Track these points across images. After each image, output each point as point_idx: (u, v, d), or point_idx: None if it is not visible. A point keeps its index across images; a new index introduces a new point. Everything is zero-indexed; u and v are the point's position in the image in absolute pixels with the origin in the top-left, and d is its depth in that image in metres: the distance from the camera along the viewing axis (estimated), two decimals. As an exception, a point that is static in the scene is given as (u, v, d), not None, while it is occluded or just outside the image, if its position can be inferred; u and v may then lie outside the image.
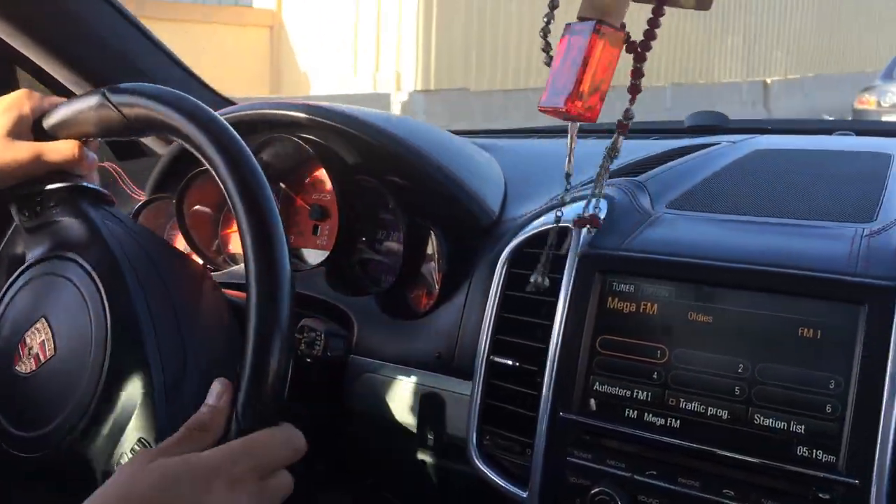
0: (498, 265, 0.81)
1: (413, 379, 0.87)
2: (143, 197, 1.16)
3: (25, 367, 0.74)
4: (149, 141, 1.36)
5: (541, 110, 0.62)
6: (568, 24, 0.61)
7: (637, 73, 0.60)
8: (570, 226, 0.77)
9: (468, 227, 0.91)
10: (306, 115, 0.96)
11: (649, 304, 0.72)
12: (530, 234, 0.80)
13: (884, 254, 0.67)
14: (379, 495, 1.02)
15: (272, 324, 0.60)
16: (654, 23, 0.58)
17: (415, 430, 0.87)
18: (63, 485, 0.73)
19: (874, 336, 0.62)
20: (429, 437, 0.86)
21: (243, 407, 0.60)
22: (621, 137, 0.64)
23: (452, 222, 0.92)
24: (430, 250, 0.95)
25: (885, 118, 6.25)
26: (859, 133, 1.25)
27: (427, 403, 0.86)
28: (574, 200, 0.84)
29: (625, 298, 0.73)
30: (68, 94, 1.20)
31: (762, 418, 0.66)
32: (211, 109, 0.70)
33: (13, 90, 1.18)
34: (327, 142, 0.99)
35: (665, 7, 0.58)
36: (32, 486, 0.77)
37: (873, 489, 0.60)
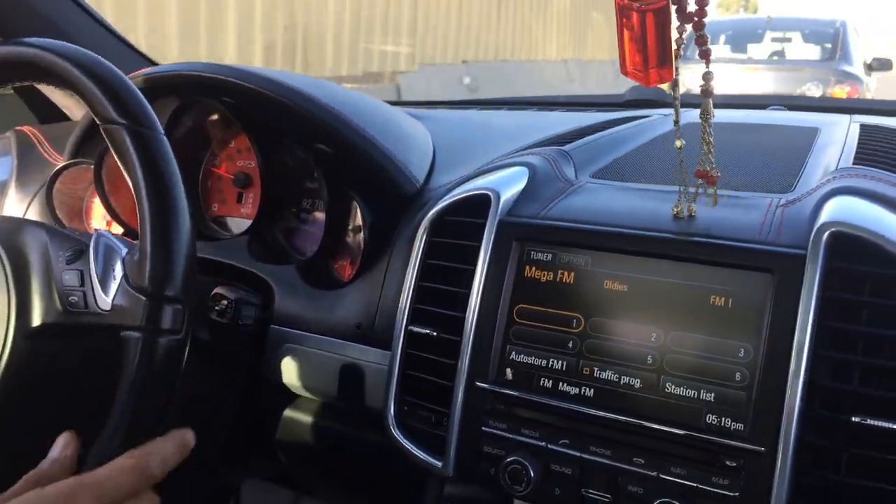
0: (419, 232, 0.80)
1: (333, 349, 0.86)
2: (60, 162, 1.12)
3: None
4: (72, 104, 1.31)
5: (626, 76, 0.62)
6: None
7: (701, 40, 0.61)
8: (488, 193, 0.76)
9: (392, 196, 0.90)
10: (226, 78, 0.92)
11: (566, 273, 0.71)
12: (450, 201, 0.79)
13: (795, 223, 0.67)
14: (298, 470, 1.00)
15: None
16: None
17: (334, 402, 0.85)
18: None
19: (782, 304, 0.62)
20: (348, 408, 0.84)
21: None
22: (710, 100, 0.65)
23: (376, 191, 0.90)
24: (354, 219, 0.93)
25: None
26: (791, 108, 1.26)
27: (347, 374, 0.84)
28: (505, 168, 0.83)
29: (542, 267, 0.72)
30: None
31: (673, 387, 0.65)
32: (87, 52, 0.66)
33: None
34: (251, 106, 0.96)
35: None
36: None
37: (778, 457, 0.60)
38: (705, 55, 0.62)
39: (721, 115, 1.15)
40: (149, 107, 0.66)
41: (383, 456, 0.83)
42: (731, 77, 5.88)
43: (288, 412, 0.92)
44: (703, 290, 0.65)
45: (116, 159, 0.64)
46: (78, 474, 0.56)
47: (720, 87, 0.68)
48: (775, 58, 7.13)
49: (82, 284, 0.67)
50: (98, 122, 0.64)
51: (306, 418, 0.91)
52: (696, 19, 0.59)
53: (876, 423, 0.58)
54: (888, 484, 0.58)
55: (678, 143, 0.68)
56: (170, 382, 0.62)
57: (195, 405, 0.87)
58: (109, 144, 0.64)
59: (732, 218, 0.69)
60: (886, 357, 0.60)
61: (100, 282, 0.66)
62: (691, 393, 0.65)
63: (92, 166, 1.05)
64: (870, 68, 6.39)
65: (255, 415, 0.93)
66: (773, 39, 7.37)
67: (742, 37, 7.24)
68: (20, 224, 0.74)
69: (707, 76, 0.63)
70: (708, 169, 0.69)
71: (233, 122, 0.99)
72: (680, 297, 0.66)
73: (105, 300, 0.65)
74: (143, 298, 0.62)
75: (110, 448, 0.59)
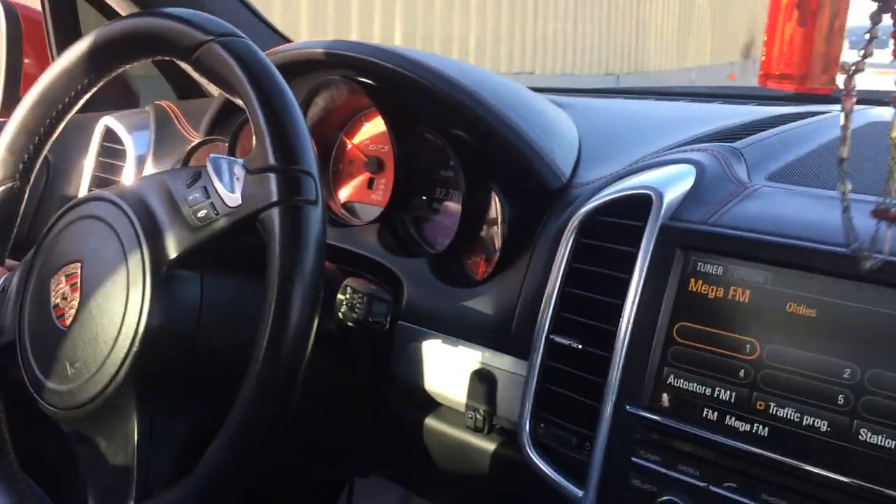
0: (565, 233, 0.72)
1: (464, 352, 0.79)
2: (197, 137, 1.11)
3: (63, 317, 0.70)
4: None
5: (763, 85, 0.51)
6: None
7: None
8: (649, 193, 0.67)
9: (535, 190, 0.82)
10: (364, 56, 0.87)
11: (740, 290, 0.61)
12: (604, 199, 0.71)
13: None
14: (417, 473, 0.96)
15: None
16: None
17: (462, 409, 0.79)
18: (90, 441, 0.70)
19: None
20: (477, 417, 0.78)
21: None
22: None
23: (518, 183, 0.83)
24: (491, 213, 0.86)
25: None
26: None
27: (477, 380, 0.78)
28: (667, 164, 0.74)
29: (711, 281, 0.63)
30: (114, 14, 1.15)
31: (869, 434, 0.55)
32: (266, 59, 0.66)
33: (73, 18, 1.14)
34: (387, 87, 0.91)
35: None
36: (62, 441, 0.74)
37: None
38: None
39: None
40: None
41: (513, 475, 0.76)
42: None
43: (413, 413, 0.87)
44: (914, 322, 0.55)
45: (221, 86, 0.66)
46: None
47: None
48: None
49: (208, 197, 0.66)
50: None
51: (431, 422, 0.85)
52: None
53: None
54: None
55: (842, 153, 0.56)
56: (320, 250, 0.61)
57: (321, 398, 0.83)
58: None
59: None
60: None
61: (224, 185, 0.65)
62: (891, 443, 0.54)
63: (227, 143, 1.03)
64: None
65: (378, 412, 0.89)
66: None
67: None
68: (139, 180, 0.75)
69: None
70: (893, 207, 0.52)
71: (368, 103, 0.94)
72: (884, 328, 0.56)
73: (233, 196, 0.64)
74: (272, 175, 0.61)
75: (269, 318, 0.59)
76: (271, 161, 0.61)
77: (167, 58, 0.71)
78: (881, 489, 0.54)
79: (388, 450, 0.96)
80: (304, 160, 0.62)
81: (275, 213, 0.61)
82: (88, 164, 1.18)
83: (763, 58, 0.51)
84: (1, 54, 1.31)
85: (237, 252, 0.69)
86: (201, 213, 0.65)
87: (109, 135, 1.17)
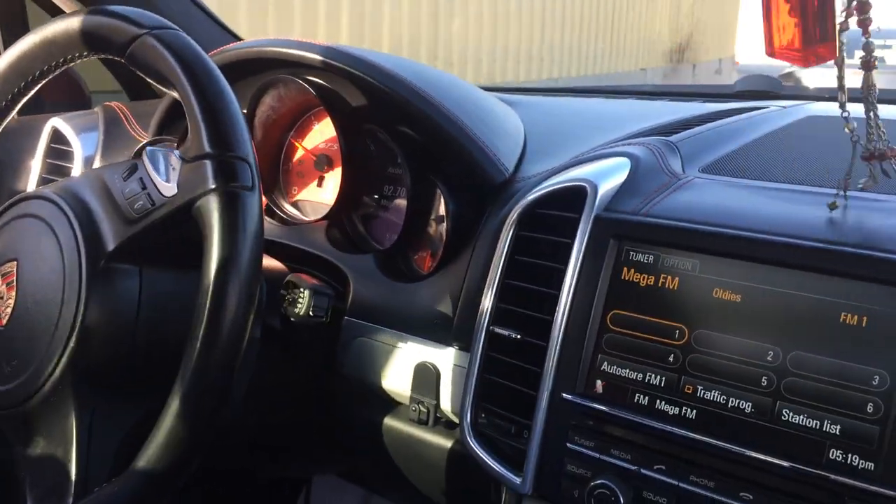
0: (506, 225, 0.73)
1: (408, 346, 0.80)
2: (146, 138, 1.10)
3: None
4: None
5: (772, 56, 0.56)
6: None
7: (864, 8, 0.54)
8: (584, 185, 0.69)
9: (478, 185, 0.83)
10: (311, 55, 0.88)
11: (669, 278, 0.63)
12: (542, 192, 0.72)
13: None
14: (368, 468, 0.96)
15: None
16: None
17: (407, 402, 0.80)
18: (29, 440, 0.69)
19: None
20: (421, 410, 0.79)
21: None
22: (871, 73, 0.57)
23: (462, 179, 0.84)
24: (437, 208, 0.87)
25: None
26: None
27: (421, 374, 0.79)
28: (604, 158, 0.75)
29: (642, 269, 0.64)
30: (57, 12, 1.15)
31: (791, 414, 0.57)
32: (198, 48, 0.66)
33: (22, 19, 1.12)
34: (334, 85, 0.92)
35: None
36: (3, 441, 0.73)
37: (917, 505, 0.51)
38: (865, 24, 0.54)
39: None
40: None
41: (457, 465, 0.77)
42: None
43: (359, 408, 0.87)
44: (832, 305, 0.56)
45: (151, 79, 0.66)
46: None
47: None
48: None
49: (144, 188, 0.66)
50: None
51: (378, 416, 0.86)
52: None
53: None
54: None
55: (848, 128, 0.60)
56: (257, 237, 0.61)
57: (266, 395, 0.83)
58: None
59: (869, 223, 0.60)
60: None
61: (160, 176, 0.65)
62: (812, 423, 0.56)
63: (175, 142, 1.03)
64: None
65: (325, 408, 0.89)
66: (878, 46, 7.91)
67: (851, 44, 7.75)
68: (75, 177, 0.76)
69: (868, 46, 0.55)
70: (880, 148, 0.59)
71: (317, 102, 0.94)
72: (804, 311, 0.57)
73: (169, 186, 0.64)
74: (208, 162, 0.61)
75: (204, 310, 0.59)
76: (206, 148, 0.61)
77: (105, 56, 0.71)
78: (803, 467, 0.56)
79: (336, 446, 0.97)
80: (239, 147, 0.62)
81: (211, 200, 0.60)
82: (35, 166, 1.17)
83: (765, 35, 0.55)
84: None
85: (176, 244, 0.68)
86: (137, 205, 0.65)
87: (57, 136, 1.16)
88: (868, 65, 0.55)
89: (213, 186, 0.60)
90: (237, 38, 1.25)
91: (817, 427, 0.56)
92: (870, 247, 0.57)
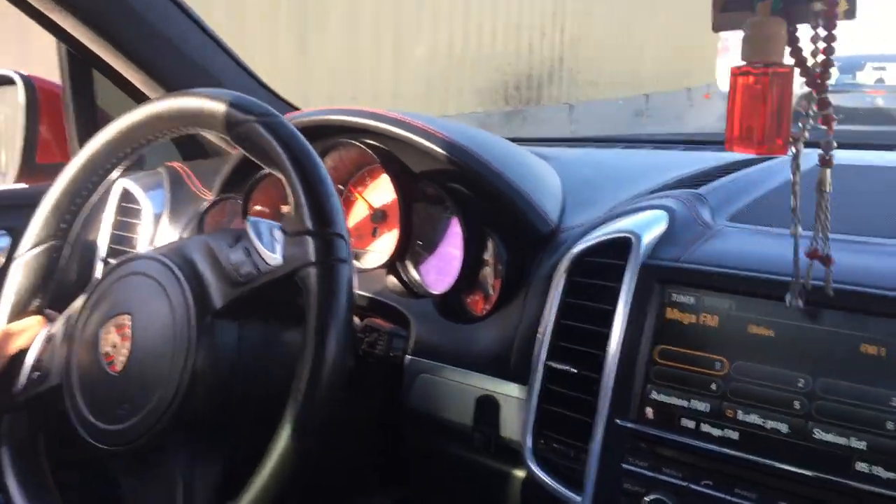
0: (558, 272, 0.83)
1: (469, 381, 0.89)
2: (209, 196, 1.20)
3: (113, 364, 0.77)
4: (216, 142, 1.41)
5: (729, 150, 0.62)
6: (736, 67, 0.60)
7: (823, 104, 0.58)
8: (629, 236, 0.78)
9: (527, 235, 0.93)
10: (371, 122, 0.98)
11: (709, 316, 0.72)
12: (591, 243, 0.82)
13: None
14: (427, 498, 1.04)
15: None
16: (828, 50, 0.56)
17: (470, 432, 0.89)
18: (136, 477, 0.77)
19: None
20: (483, 438, 0.87)
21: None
22: (828, 171, 0.61)
23: (513, 230, 0.94)
24: (487, 256, 0.97)
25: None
26: (925, 149, 1.23)
27: (482, 405, 0.87)
28: (643, 210, 0.85)
29: (684, 310, 0.74)
30: (139, 96, 1.25)
31: (822, 433, 0.66)
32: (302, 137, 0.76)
33: (90, 92, 1.23)
34: (391, 148, 1.02)
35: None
36: (111, 478, 0.80)
37: (934, 508, 0.60)
38: (828, 120, 0.58)
39: (850, 158, 1.15)
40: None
41: (518, 489, 0.86)
42: (861, 98, 7.87)
43: (422, 441, 0.96)
44: (853, 338, 0.66)
45: (263, 161, 0.76)
46: None
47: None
48: (882, 83, 8.74)
49: (249, 256, 0.75)
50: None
51: (440, 447, 0.94)
52: (818, 81, 0.56)
53: None
54: None
55: (793, 203, 0.66)
56: (351, 301, 0.70)
57: (337, 432, 0.91)
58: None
59: (883, 265, 0.70)
60: None
61: (265, 246, 0.74)
62: (841, 440, 0.65)
63: (240, 200, 1.13)
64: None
65: (390, 444, 0.97)
66: (874, 68, 8.97)
67: (848, 67, 8.74)
68: (182, 241, 0.84)
69: (827, 145, 0.59)
70: (820, 248, 0.64)
71: (372, 160, 1.05)
72: (828, 344, 0.67)
73: (274, 257, 0.73)
74: (310, 238, 0.70)
75: (308, 361, 0.67)
76: (308, 225, 0.70)
77: (207, 132, 0.81)
78: (834, 478, 0.64)
79: (399, 478, 1.05)
80: (336, 224, 0.71)
81: (312, 271, 0.69)
82: (106, 223, 1.27)
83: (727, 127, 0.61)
84: (20, 123, 1.40)
85: (268, 304, 0.77)
86: (244, 270, 0.74)
87: (126, 196, 1.26)
88: (826, 162, 0.60)
89: (315, 259, 0.70)
90: (291, 105, 1.36)
91: (845, 443, 0.65)
92: (883, 286, 0.66)
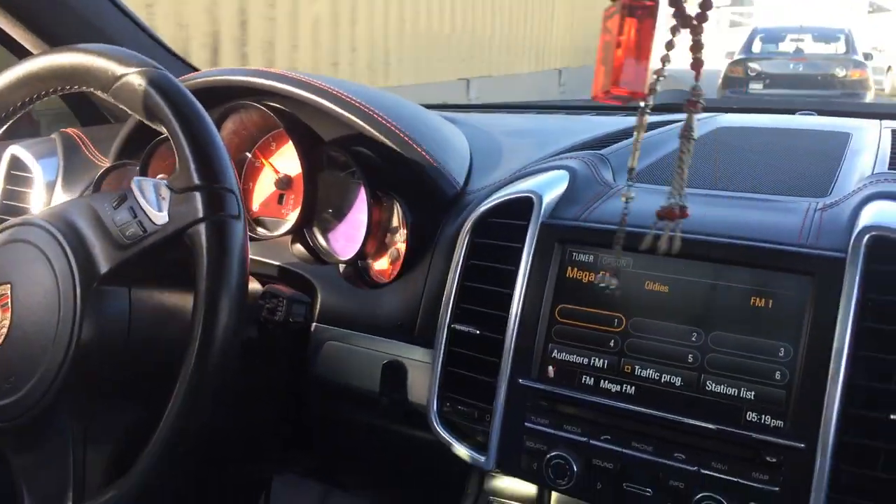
0: (461, 234, 0.82)
1: (375, 347, 0.88)
2: (106, 163, 1.15)
3: None
4: (114, 108, 1.35)
5: (594, 98, 0.57)
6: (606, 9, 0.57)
7: (697, 47, 0.54)
8: (531, 195, 0.78)
9: (433, 199, 0.92)
10: (272, 83, 0.95)
11: (608, 274, 0.73)
12: (493, 203, 0.81)
13: (834, 227, 0.68)
14: (335, 464, 1.03)
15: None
16: None
17: (376, 398, 0.88)
18: (26, 451, 0.73)
19: (822, 306, 0.64)
20: (390, 403, 0.86)
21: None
22: (694, 115, 0.57)
23: (418, 194, 0.93)
24: (394, 221, 0.95)
25: (751, 85, 8.73)
26: (821, 114, 1.27)
27: (389, 371, 0.86)
28: (545, 171, 0.85)
29: (584, 268, 0.74)
30: (25, 54, 1.18)
31: (714, 385, 0.67)
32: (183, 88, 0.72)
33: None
34: (294, 111, 0.99)
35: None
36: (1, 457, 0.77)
37: (818, 453, 0.62)
38: (697, 65, 0.54)
39: (751, 120, 1.18)
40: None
41: (427, 451, 0.85)
42: (785, 65, 8.90)
43: (329, 408, 0.94)
44: (743, 291, 0.67)
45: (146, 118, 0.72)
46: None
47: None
48: (801, 52, 9.66)
49: (135, 216, 0.71)
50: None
51: (347, 414, 0.93)
52: (695, 23, 0.52)
53: (915, 421, 0.60)
54: None
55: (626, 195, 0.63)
56: (244, 260, 0.68)
57: (238, 401, 0.89)
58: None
59: (772, 221, 0.71)
60: (925, 357, 0.61)
61: (150, 205, 0.70)
62: (732, 391, 0.67)
63: (137, 167, 1.08)
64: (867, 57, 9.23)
65: (295, 411, 0.96)
66: (791, 39, 10.02)
67: (771, 38, 9.93)
68: (63, 204, 0.80)
69: (696, 90, 0.55)
70: (674, 204, 0.59)
71: (275, 124, 1.01)
72: (720, 298, 0.68)
73: (160, 215, 0.70)
74: (197, 193, 0.67)
75: (199, 325, 0.65)
76: (196, 181, 0.68)
77: (88, 90, 0.76)
78: (726, 428, 0.66)
79: (306, 445, 1.03)
80: (225, 179, 0.69)
81: (201, 228, 0.67)
82: (-5, 192, 1.20)
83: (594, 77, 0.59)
84: None
85: (159, 266, 0.74)
86: (129, 232, 0.71)
87: (15, 163, 1.20)
88: (694, 105, 0.55)
89: (203, 215, 0.67)
90: (193, 69, 1.31)
91: (736, 394, 0.66)
92: (772, 240, 0.68)
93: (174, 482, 0.68)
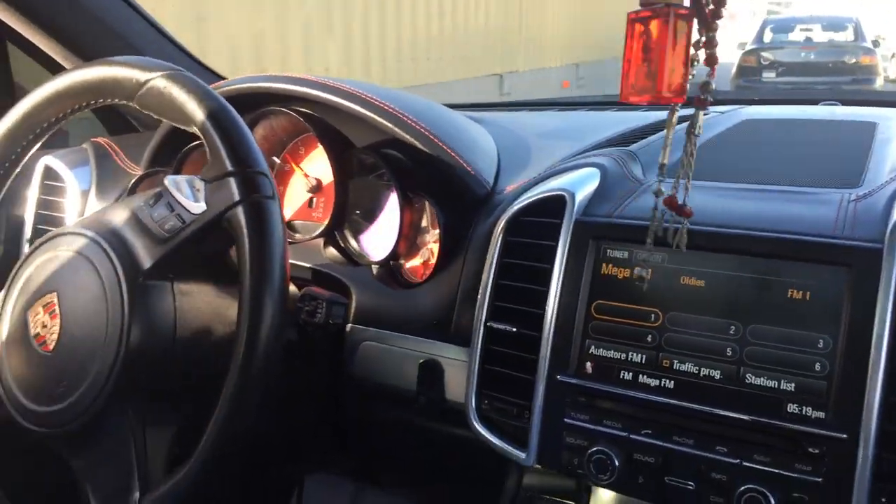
0: (495, 233, 0.83)
1: (411, 346, 0.89)
2: (138, 171, 1.17)
3: (45, 344, 0.75)
4: (142, 117, 1.37)
5: (625, 101, 0.58)
6: (634, 11, 0.56)
7: (711, 43, 0.55)
8: (563, 194, 0.79)
9: (464, 199, 0.93)
10: (302, 89, 0.96)
11: (643, 270, 0.73)
12: (526, 202, 0.82)
13: (869, 217, 0.69)
14: (372, 464, 1.04)
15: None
16: None
17: (414, 396, 0.89)
18: (86, 452, 0.75)
19: (860, 296, 0.64)
20: (428, 402, 0.88)
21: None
22: (701, 113, 0.59)
23: (449, 194, 0.93)
24: (425, 222, 0.97)
25: (765, 74, 8.92)
26: (844, 103, 1.27)
27: (426, 370, 0.88)
28: (576, 169, 0.86)
29: (619, 264, 0.75)
30: (58, 69, 1.21)
31: (753, 377, 0.68)
32: (206, 84, 0.72)
33: (6, 66, 1.18)
34: (324, 116, 1.00)
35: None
36: (45, 460, 0.78)
37: (860, 443, 0.63)
38: (711, 60, 0.55)
39: (775, 112, 1.18)
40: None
41: (465, 449, 0.86)
42: (797, 53, 9.20)
43: (365, 408, 0.96)
44: (780, 284, 0.68)
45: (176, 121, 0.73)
46: None
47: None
48: (811, 41, 10.03)
49: (172, 210, 0.72)
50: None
51: (383, 414, 0.94)
52: (710, 20, 0.54)
53: (957, 409, 0.60)
54: None
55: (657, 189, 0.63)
56: (283, 240, 0.68)
57: (280, 404, 0.91)
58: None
59: (806, 213, 0.72)
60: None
61: (186, 198, 0.71)
62: (772, 383, 0.67)
63: (170, 173, 1.09)
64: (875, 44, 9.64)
65: (333, 411, 0.97)
66: (801, 29, 10.39)
67: (781, 28, 10.30)
68: (100, 211, 0.81)
69: (706, 86, 0.56)
70: (680, 199, 0.61)
71: (305, 129, 1.03)
72: (757, 291, 0.69)
73: (198, 205, 0.71)
74: (231, 179, 0.69)
75: (245, 304, 0.66)
76: (228, 167, 0.69)
77: (115, 101, 0.77)
78: (767, 420, 0.67)
79: (342, 445, 1.05)
80: (257, 163, 0.70)
81: (239, 211, 0.68)
82: (31, 202, 1.22)
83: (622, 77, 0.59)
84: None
85: (200, 258, 0.75)
86: (168, 225, 0.72)
87: (49, 173, 1.22)
88: (702, 102, 0.57)
89: (240, 198, 0.68)
90: (218, 76, 1.33)
91: (776, 386, 0.67)
92: (808, 233, 0.68)
93: (230, 471, 0.69)
